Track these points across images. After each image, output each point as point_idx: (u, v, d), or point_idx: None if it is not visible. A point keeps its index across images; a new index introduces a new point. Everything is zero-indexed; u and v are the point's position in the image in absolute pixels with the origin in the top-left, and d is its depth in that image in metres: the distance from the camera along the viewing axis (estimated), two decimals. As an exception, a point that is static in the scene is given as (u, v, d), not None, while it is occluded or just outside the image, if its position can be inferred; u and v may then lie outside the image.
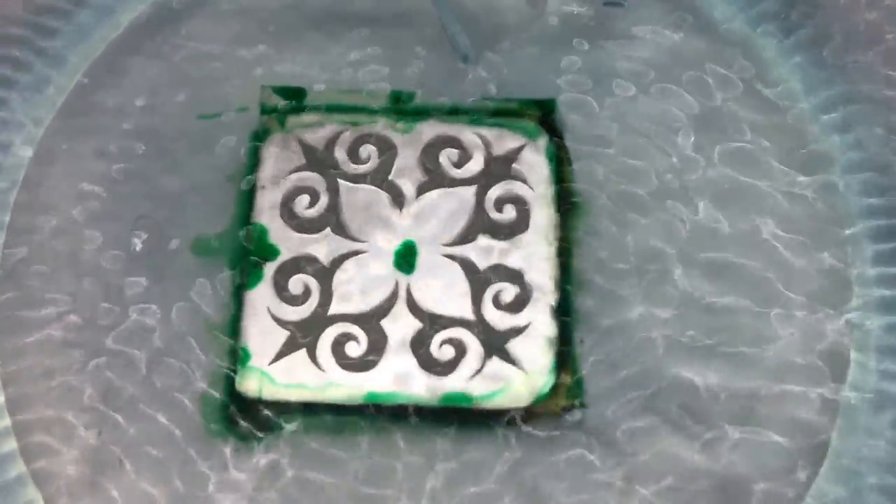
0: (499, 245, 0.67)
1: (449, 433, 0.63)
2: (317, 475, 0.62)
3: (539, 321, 0.65)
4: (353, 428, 0.63)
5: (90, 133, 0.72)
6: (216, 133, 0.71)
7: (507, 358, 0.65)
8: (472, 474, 0.62)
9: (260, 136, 0.71)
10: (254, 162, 0.70)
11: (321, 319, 0.66)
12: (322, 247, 0.68)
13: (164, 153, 0.71)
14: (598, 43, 0.73)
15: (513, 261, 0.67)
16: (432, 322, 0.66)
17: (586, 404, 0.63)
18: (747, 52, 0.73)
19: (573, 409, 0.63)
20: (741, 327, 0.65)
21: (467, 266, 0.67)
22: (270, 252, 0.68)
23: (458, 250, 0.67)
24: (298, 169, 0.70)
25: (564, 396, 0.64)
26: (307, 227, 0.68)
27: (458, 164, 0.70)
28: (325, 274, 0.67)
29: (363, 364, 0.65)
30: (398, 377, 0.64)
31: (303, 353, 0.65)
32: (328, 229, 0.68)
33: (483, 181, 0.69)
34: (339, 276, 0.67)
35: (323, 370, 0.65)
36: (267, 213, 0.69)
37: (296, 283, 0.67)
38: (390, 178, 0.69)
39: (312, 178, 0.70)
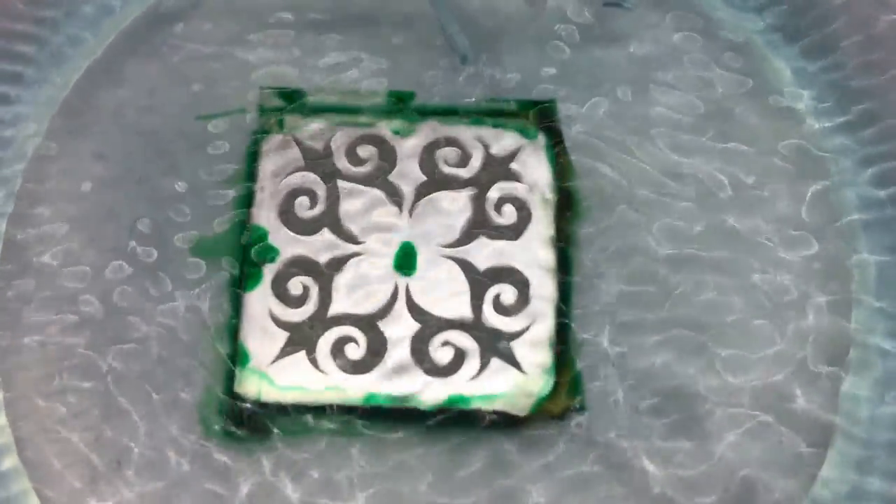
0: (498, 246, 0.67)
1: (448, 435, 0.63)
2: (316, 477, 0.62)
3: (539, 323, 0.65)
4: (353, 430, 0.63)
5: (88, 134, 0.71)
6: (215, 134, 0.71)
7: (507, 359, 0.65)
8: (472, 475, 0.62)
9: (258, 137, 0.71)
10: (253, 163, 0.70)
11: (321, 321, 0.66)
12: (321, 248, 0.68)
13: (163, 154, 0.71)
14: (598, 43, 0.73)
15: (512, 262, 0.67)
16: (432, 324, 0.66)
17: (586, 406, 0.63)
18: (749, 53, 0.73)
19: (573, 411, 0.63)
20: (741, 326, 0.65)
21: (467, 267, 0.67)
22: (270, 253, 0.68)
23: (457, 251, 0.67)
24: (297, 170, 0.70)
25: (564, 398, 0.64)
26: (306, 228, 0.68)
27: (458, 165, 0.70)
28: (324, 275, 0.67)
29: (363, 366, 0.65)
30: (398, 379, 0.64)
31: (302, 354, 0.65)
32: (327, 230, 0.68)
33: (482, 182, 0.69)
34: (339, 278, 0.67)
35: (322, 372, 0.65)
36: (266, 215, 0.68)
37: (295, 285, 0.67)
38: (389, 178, 0.69)
39: (311, 180, 0.70)
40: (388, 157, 0.70)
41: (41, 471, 0.63)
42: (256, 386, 0.64)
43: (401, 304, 0.66)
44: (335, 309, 0.66)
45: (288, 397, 0.64)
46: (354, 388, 0.64)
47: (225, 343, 0.65)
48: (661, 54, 0.73)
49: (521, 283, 0.66)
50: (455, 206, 0.69)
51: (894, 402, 0.63)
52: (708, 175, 0.69)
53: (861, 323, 0.65)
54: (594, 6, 0.75)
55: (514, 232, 0.68)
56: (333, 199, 0.69)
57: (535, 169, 0.69)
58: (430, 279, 0.66)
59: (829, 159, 0.69)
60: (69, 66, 0.74)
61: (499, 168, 0.70)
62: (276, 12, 0.75)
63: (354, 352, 0.65)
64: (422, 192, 0.69)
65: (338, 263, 0.67)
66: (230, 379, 0.64)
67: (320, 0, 0.75)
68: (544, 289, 0.66)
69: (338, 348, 0.65)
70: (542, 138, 0.70)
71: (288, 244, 0.68)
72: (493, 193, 0.69)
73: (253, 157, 0.70)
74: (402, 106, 0.72)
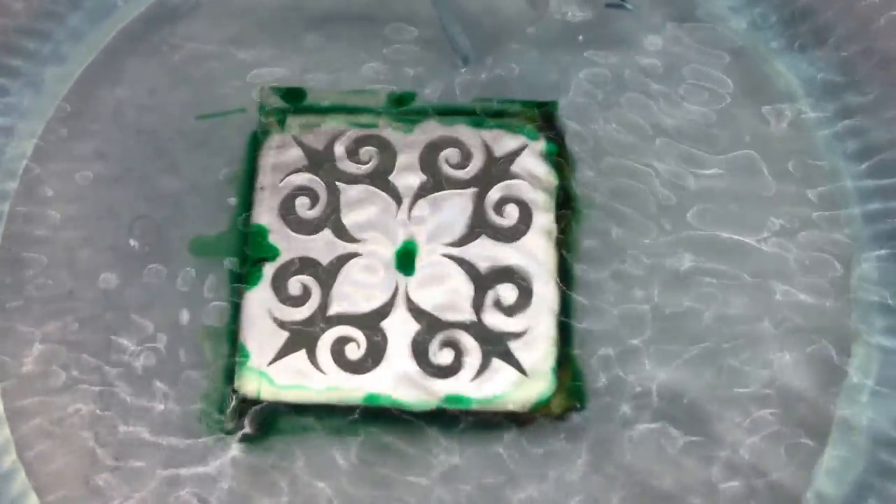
0: (499, 246, 0.67)
1: (449, 436, 0.63)
2: (315, 476, 0.62)
3: (539, 323, 0.65)
4: (352, 430, 0.63)
5: (88, 132, 0.71)
6: (215, 133, 0.71)
7: (508, 360, 0.65)
8: (472, 477, 0.62)
9: (259, 137, 0.71)
10: (253, 162, 0.70)
11: (321, 320, 0.66)
12: (322, 248, 0.67)
13: (163, 153, 0.70)
14: (599, 45, 0.73)
15: (513, 262, 0.67)
16: (432, 324, 0.65)
17: (587, 407, 0.63)
18: (751, 56, 0.73)
19: (574, 412, 0.63)
20: (742, 328, 0.65)
21: (468, 268, 0.67)
22: (270, 253, 0.67)
23: (458, 252, 0.67)
24: (298, 170, 0.70)
25: (565, 399, 0.64)
26: (307, 227, 0.68)
27: (459, 166, 0.70)
28: (324, 275, 0.67)
29: (363, 366, 0.65)
30: (398, 379, 0.64)
31: (302, 354, 0.65)
32: (328, 230, 0.68)
33: (483, 182, 0.69)
34: (339, 278, 0.67)
35: (322, 371, 0.64)
36: (266, 214, 0.68)
37: (295, 285, 0.67)
38: (390, 179, 0.69)
39: (312, 179, 0.69)
40: (388, 157, 0.70)
41: (41, 471, 0.63)
42: (256, 385, 0.64)
43: (401, 304, 0.66)
44: (335, 309, 0.66)
45: (287, 397, 0.64)
46: (354, 388, 0.64)
47: (225, 342, 0.65)
48: (663, 55, 0.73)
49: (522, 284, 0.66)
50: (456, 207, 0.68)
51: (895, 398, 0.64)
52: (708, 177, 0.69)
53: (863, 320, 0.65)
54: (596, 7, 0.75)
55: (514, 232, 0.68)
56: (334, 198, 0.69)
57: (536, 170, 0.69)
58: (430, 279, 0.66)
59: (832, 161, 0.70)
60: (69, 64, 0.73)
61: (500, 169, 0.70)
62: (276, 12, 0.75)
63: (354, 352, 0.65)
64: (422, 192, 0.69)
65: (338, 263, 0.67)
66: (230, 378, 0.64)
67: (320, 0, 0.75)
68: (545, 289, 0.66)
69: (338, 348, 0.65)
70: (543, 139, 0.70)
71: (288, 244, 0.68)
72: (494, 194, 0.69)
73: (253, 157, 0.70)
74: (403, 106, 0.72)
